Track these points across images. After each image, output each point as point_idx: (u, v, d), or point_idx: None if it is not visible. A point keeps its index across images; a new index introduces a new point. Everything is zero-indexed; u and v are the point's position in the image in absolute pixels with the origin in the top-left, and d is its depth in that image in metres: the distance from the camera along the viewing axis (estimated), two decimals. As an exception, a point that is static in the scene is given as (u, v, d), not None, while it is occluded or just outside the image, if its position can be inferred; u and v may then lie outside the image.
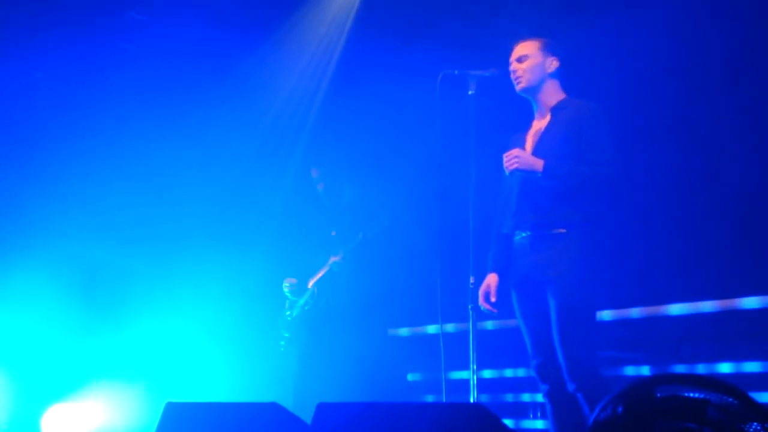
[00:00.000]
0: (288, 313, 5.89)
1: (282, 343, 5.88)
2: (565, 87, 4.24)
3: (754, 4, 5.08)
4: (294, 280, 5.88)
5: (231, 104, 6.90)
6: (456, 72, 4.15)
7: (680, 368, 5.23)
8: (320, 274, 5.79)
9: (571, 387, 3.90)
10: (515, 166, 3.99)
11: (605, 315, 5.38)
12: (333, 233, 5.87)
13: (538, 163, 3.97)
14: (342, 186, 5.95)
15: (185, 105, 6.88)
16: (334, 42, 7.06)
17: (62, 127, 6.83)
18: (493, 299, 4.15)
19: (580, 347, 3.89)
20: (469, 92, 4.13)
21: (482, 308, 4.15)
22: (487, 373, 5.91)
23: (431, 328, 6.33)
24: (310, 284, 5.84)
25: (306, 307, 5.82)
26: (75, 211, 6.71)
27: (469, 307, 4.01)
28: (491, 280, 4.19)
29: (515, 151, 4.01)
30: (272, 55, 7.14)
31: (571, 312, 3.90)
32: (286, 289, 5.89)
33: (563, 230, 3.99)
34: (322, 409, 3.22)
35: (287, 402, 5.22)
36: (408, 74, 6.12)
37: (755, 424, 2.18)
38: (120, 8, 6.91)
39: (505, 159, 4.03)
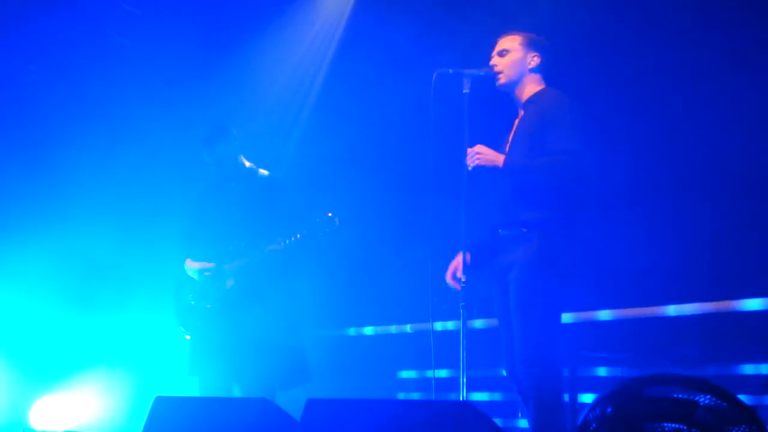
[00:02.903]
0: (193, 300, 5.25)
1: (184, 331, 5.25)
2: (551, 82, 4.22)
3: (746, 6, 5.09)
4: (208, 264, 5.21)
5: (223, 100, 6.88)
6: (450, 71, 4.14)
7: (669, 370, 5.23)
8: (244, 260, 5.16)
9: (522, 384, 3.92)
10: (477, 162, 3.97)
11: (599, 315, 5.39)
12: (234, 213, 5.27)
13: (499, 159, 3.97)
14: (236, 160, 5.28)
15: (178, 99, 6.87)
16: (328, 39, 7.05)
17: (55, 119, 6.82)
18: (459, 275, 4.08)
19: (532, 348, 3.89)
20: (464, 91, 4.12)
21: (449, 285, 4.13)
22: (476, 372, 5.92)
23: (421, 326, 6.34)
24: (228, 268, 5.20)
25: (224, 297, 5.20)
26: (65, 203, 6.70)
27: (460, 305, 4.01)
28: (456, 260, 4.16)
29: (477, 147, 3.99)
30: (266, 51, 7.13)
31: (526, 312, 3.91)
32: (205, 275, 5.21)
33: (526, 230, 3.98)
34: (312, 405, 3.22)
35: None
36: (402, 73, 6.12)
37: (743, 426, 2.19)
38: (115, 1, 6.90)
39: (468, 155, 4.00)
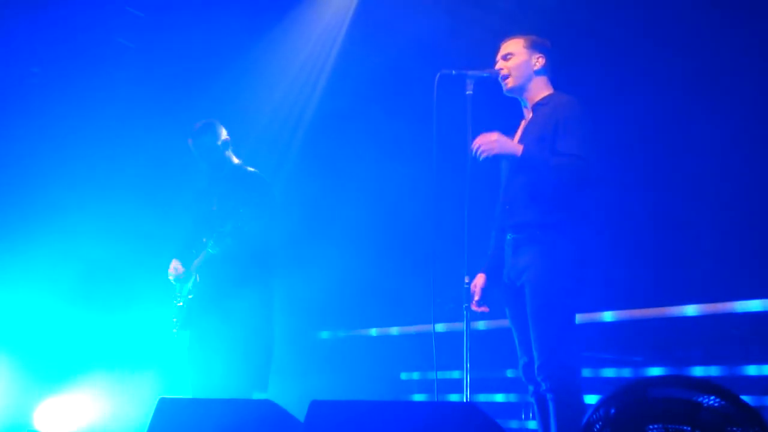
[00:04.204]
0: (176, 300, 5.33)
1: (174, 330, 5.31)
2: (557, 84, 4.23)
3: (751, 9, 5.10)
4: (179, 267, 5.30)
5: (227, 102, 6.89)
6: (453, 72, 4.12)
7: (672, 370, 5.25)
8: (201, 258, 5.24)
9: (542, 387, 3.92)
10: (495, 150, 3.91)
11: (602, 317, 5.40)
12: (214, 208, 5.36)
13: (518, 148, 3.93)
14: (222, 155, 5.36)
15: (181, 102, 6.87)
16: (331, 40, 7.06)
17: (58, 121, 6.83)
18: (476, 298, 4.13)
19: (551, 350, 3.87)
20: (467, 92, 4.12)
21: (472, 309, 4.14)
22: (480, 374, 5.92)
23: (424, 328, 6.34)
24: (193, 268, 5.28)
25: (190, 296, 5.27)
26: (69, 205, 6.71)
27: (464, 306, 4.01)
28: (477, 280, 4.20)
29: (495, 135, 3.94)
30: (269, 53, 7.14)
31: (543, 316, 3.89)
32: (171, 276, 5.31)
33: (538, 233, 3.97)
34: (316, 406, 3.23)
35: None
36: (405, 74, 6.13)
37: (747, 427, 2.19)
38: (117, 3, 6.92)
39: (482, 142, 3.92)
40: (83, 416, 6.61)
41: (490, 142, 3.93)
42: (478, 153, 3.94)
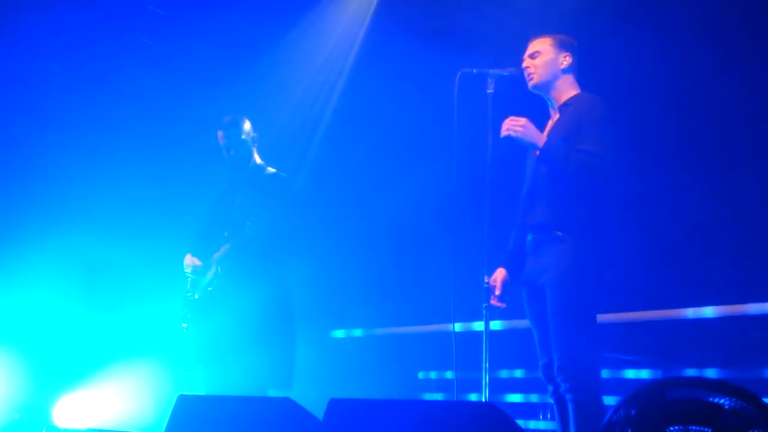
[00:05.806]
0: (190, 293, 5.30)
1: (184, 324, 5.28)
2: (583, 83, 4.22)
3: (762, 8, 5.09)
4: (198, 262, 5.29)
5: (247, 102, 6.90)
6: (474, 71, 4.13)
7: (692, 372, 5.22)
8: (223, 250, 5.25)
9: (562, 387, 3.91)
10: (519, 134, 3.92)
11: (618, 318, 5.38)
12: (235, 203, 5.35)
13: (541, 139, 3.94)
14: (249, 151, 5.38)
15: (201, 101, 6.90)
16: (352, 39, 7.07)
17: (81, 120, 6.87)
18: (497, 292, 4.13)
19: (572, 351, 3.87)
20: (488, 91, 4.12)
21: (492, 305, 4.14)
22: (497, 374, 5.91)
23: (443, 327, 6.34)
24: (214, 259, 5.28)
25: (209, 288, 5.27)
26: (88, 203, 6.75)
27: (483, 306, 4.01)
28: (498, 274, 4.19)
29: (524, 120, 3.96)
30: (289, 52, 7.16)
31: (564, 316, 3.89)
32: (187, 269, 5.31)
33: (559, 233, 3.97)
34: (334, 405, 3.23)
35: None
36: (426, 73, 6.12)
37: (767, 428, 2.18)
38: (139, 1, 6.95)
39: (509, 123, 3.95)
40: (102, 412, 6.64)
41: (517, 124, 3.95)
42: (503, 130, 3.95)
